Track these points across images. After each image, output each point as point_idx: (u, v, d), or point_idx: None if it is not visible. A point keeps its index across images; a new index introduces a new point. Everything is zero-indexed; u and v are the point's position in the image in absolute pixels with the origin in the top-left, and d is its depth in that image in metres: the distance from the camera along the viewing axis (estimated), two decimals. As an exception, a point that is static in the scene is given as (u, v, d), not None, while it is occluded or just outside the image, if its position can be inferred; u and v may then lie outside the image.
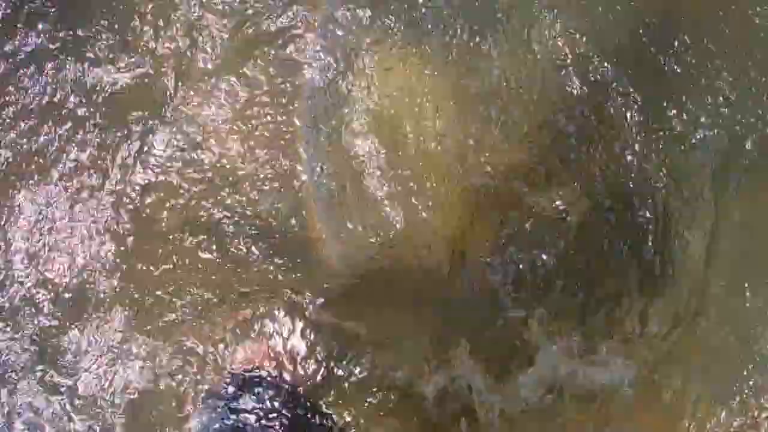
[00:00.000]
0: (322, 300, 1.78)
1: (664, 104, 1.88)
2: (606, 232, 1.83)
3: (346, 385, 1.71)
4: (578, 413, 1.74)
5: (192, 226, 1.86)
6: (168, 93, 1.95)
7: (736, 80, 1.87)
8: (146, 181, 1.90)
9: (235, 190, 1.87)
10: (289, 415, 1.34)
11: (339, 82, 1.92)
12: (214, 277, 1.83)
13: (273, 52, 1.95)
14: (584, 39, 1.91)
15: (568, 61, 1.90)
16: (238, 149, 1.90)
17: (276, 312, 1.77)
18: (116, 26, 2.00)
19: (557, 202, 1.83)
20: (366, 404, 1.70)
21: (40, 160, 1.94)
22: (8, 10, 2.03)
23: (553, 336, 1.78)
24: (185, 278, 1.83)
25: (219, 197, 1.87)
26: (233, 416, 1.31)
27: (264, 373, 1.45)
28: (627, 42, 1.91)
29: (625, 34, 1.93)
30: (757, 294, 1.77)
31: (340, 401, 1.69)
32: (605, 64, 1.89)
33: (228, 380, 1.42)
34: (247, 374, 1.44)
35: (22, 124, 1.97)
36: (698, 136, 1.86)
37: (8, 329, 1.85)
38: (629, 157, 1.86)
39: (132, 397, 1.77)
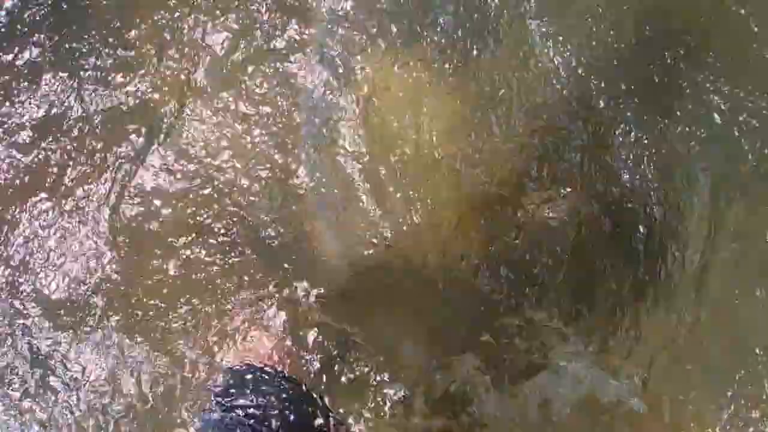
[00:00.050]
0: (320, 302, 1.79)
1: (659, 116, 1.91)
2: (602, 242, 1.84)
3: (345, 384, 1.72)
4: (578, 422, 1.75)
5: (191, 232, 1.86)
6: (167, 109, 1.95)
7: (732, 92, 1.89)
8: (145, 193, 1.90)
9: (234, 200, 1.87)
10: (289, 412, 1.34)
11: (337, 97, 1.92)
12: (214, 282, 1.83)
13: (271, 67, 1.96)
14: (579, 52, 1.93)
15: (563, 72, 1.92)
16: (238, 162, 1.90)
17: (276, 313, 1.77)
18: (114, 41, 2.00)
19: (553, 211, 1.84)
20: (365, 405, 1.71)
21: (37, 175, 1.93)
22: (3, 21, 2.02)
23: (551, 343, 1.78)
24: (185, 283, 1.83)
25: (219, 207, 1.87)
26: (234, 413, 1.30)
27: (265, 370, 1.44)
28: (622, 54, 1.93)
29: (620, 45, 1.95)
30: (755, 303, 1.79)
31: (339, 401, 1.70)
32: (600, 77, 1.92)
33: (228, 377, 1.41)
34: (247, 371, 1.43)
35: (19, 139, 1.96)
36: (694, 148, 1.88)
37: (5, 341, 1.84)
38: (625, 168, 1.88)
39: (131, 400, 1.77)
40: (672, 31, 1.97)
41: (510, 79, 1.92)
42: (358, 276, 1.82)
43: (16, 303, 1.84)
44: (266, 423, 1.29)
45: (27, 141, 1.96)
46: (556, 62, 1.93)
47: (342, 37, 1.97)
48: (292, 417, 1.32)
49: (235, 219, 1.86)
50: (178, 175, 1.89)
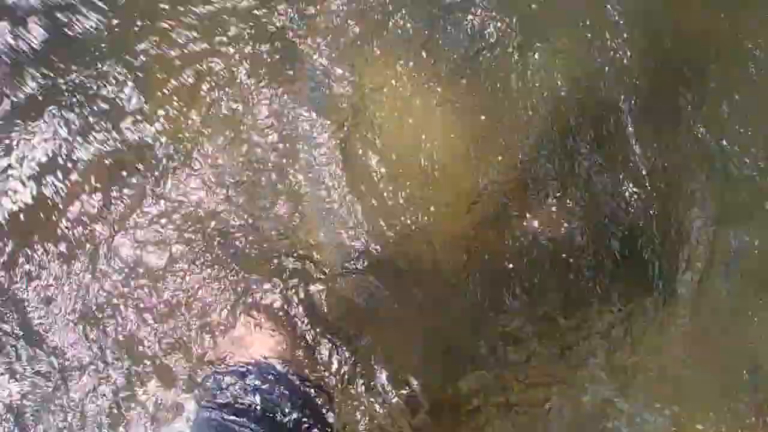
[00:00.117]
0: (320, 302, 1.79)
1: (662, 132, 1.93)
2: (602, 258, 1.85)
3: (346, 383, 1.72)
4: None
5: (194, 239, 1.85)
6: (166, 145, 1.91)
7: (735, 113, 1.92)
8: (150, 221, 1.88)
9: (235, 212, 1.87)
10: (289, 410, 1.34)
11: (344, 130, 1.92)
12: (215, 286, 1.83)
13: (276, 100, 1.93)
14: (583, 71, 1.95)
15: (565, 78, 1.93)
16: (241, 189, 1.90)
17: (276, 312, 1.77)
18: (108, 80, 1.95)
19: (551, 222, 1.86)
20: (365, 404, 1.71)
21: (39, 210, 1.88)
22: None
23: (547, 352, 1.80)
24: (187, 288, 1.83)
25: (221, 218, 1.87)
26: (231, 411, 1.31)
27: (264, 368, 1.44)
28: (623, 74, 1.95)
29: (625, 58, 1.95)
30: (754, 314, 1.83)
31: (340, 399, 1.70)
32: (601, 89, 1.93)
33: (226, 375, 1.41)
34: (246, 368, 1.44)
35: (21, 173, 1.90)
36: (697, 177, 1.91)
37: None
38: (627, 181, 1.90)
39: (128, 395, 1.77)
40: (679, 48, 1.99)
41: (508, 85, 1.93)
42: (359, 276, 1.82)
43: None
44: (264, 421, 1.29)
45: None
46: (558, 66, 1.94)
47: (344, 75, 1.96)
48: (291, 415, 1.33)
49: (234, 218, 1.86)
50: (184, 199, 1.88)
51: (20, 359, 1.79)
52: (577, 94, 1.93)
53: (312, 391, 1.47)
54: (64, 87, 1.90)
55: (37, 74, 1.89)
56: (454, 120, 1.92)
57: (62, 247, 1.83)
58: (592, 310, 1.83)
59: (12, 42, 1.90)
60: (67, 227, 1.84)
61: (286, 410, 1.34)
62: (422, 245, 1.84)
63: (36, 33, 1.91)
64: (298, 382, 1.45)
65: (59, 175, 1.85)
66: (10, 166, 1.87)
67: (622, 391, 1.78)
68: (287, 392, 1.38)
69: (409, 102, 1.92)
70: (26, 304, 1.82)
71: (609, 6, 1.97)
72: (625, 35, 1.96)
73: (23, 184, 1.86)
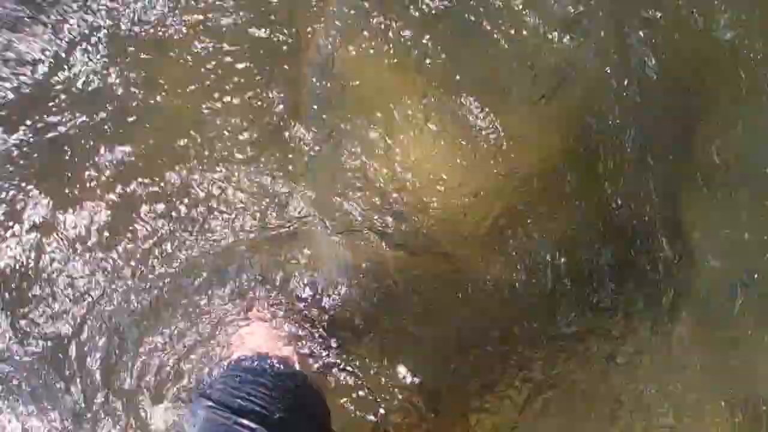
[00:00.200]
0: (322, 300, 1.80)
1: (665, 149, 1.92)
2: (599, 273, 1.86)
3: (348, 383, 1.74)
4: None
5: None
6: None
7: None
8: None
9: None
10: (287, 407, 1.33)
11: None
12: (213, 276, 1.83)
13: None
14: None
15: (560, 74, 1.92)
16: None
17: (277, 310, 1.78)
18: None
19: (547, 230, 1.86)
20: (367, 405, 1.74)
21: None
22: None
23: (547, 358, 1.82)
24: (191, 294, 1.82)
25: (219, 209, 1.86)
26: (232, 409, 1.29)
27: (263, 365, 1.43)
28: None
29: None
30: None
31: (342, 399, 1.73)
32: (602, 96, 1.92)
33: (229, 374, 1.40)
34: (249, 368, 1.42)
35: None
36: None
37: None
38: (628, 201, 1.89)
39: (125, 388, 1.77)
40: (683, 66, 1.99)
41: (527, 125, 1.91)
42: (360, 278, 1.82)
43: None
44: (267, 421, 1.27)
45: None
46: (553, 63, 1.92)
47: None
48: (293, 416, 1.31)
49: (230, 217, 1.85)
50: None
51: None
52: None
53: (315, 392, 1.45)
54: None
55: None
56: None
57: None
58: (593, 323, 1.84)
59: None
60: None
61: (289, 411, 1.31)
62: (423, 245, 1.84)
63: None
64: (301, 384, 1.43)
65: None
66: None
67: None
68: (290, 393, 1.36)
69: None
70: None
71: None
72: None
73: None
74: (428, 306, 1.82)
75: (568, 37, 1.90)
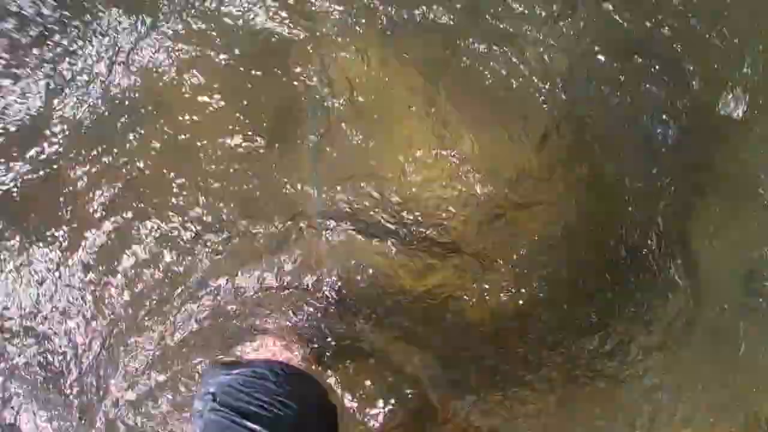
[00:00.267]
0: (328, 305, 1.80)
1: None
2: (595, 266, 1.86)
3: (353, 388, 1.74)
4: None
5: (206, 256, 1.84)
6: None
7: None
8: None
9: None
10: (294, 412, 1.32)
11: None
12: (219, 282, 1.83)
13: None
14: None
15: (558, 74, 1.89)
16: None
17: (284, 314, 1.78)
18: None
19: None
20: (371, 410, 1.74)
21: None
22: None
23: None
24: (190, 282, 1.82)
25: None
26: (237, 411, 1.29)
27: (272, 369, 1.42)
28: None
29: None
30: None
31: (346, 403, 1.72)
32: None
33: (234, 376, 1.39)
34: (254, 371, 1.41)
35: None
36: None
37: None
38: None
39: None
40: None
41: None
42: (362, 281, 1.82)
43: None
44: (271, 423, 1.27)
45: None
46: (551, 63, 1.89)
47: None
48: (296, 416, 1.31)
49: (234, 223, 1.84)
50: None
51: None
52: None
53: (322, 394, 1.45)
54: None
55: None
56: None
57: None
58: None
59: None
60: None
61: (296, 413, 1.31)
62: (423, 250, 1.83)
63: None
64: (307, 386, 1.43)
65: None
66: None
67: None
68: (297, 395, 1.35)
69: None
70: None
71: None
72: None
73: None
74: (430, 310, 1.82)
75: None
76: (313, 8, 1.90)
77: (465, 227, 1.82)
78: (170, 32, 1.90)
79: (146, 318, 1.82)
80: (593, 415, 1.84)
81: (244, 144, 1.86)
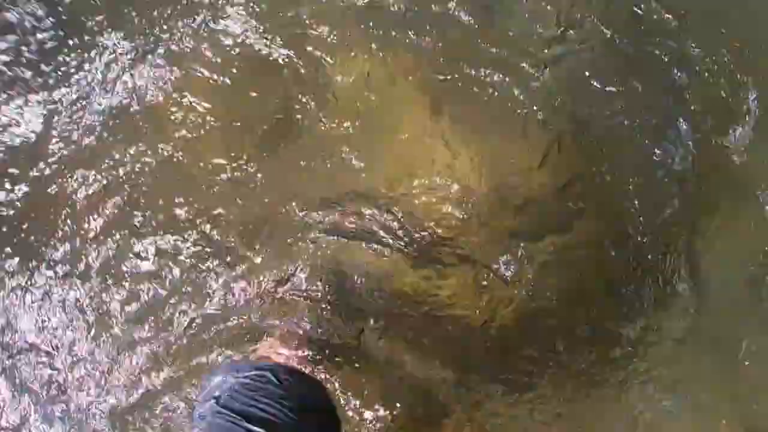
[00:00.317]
0: (334, 312, 1.80)
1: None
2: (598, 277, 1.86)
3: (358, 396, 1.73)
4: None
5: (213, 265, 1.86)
6: None
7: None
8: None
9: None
10: (296, 415, 1.30)
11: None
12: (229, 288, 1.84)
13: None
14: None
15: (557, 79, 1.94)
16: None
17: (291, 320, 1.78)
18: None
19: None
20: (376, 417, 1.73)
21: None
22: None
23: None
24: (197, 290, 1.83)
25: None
26: (241, 413, 1.27)
27: (278, 373, 1.41)
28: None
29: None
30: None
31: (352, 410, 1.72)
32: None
33: (239, 379, 1.38)
34: (258, 374, 1.40)
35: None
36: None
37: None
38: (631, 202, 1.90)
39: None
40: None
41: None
42: (363, 286, 1.83)
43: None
44: (272, 425, 1.25)
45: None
46: (551, 68, 1.94)
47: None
48: (299, 419, 1.29)
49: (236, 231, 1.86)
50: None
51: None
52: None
53: (325, 398, 1.43)
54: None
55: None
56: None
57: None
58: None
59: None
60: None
61: (299, 417, 1.29)
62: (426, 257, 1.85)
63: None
64: (310, 390, 1.41)
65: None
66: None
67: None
68: (300, 399, 1.34)
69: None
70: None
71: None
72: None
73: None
74: (431, 315, 1.83)
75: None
76: (309, 30, 1.96)
77: (467, 237, 1.84)
78: (166, 53, 1.95)
79: (148, 328, 1.82)
80: (597, 420, 1.83)
81: (241, 160, 1.89)
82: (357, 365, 1.78)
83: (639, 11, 1.96)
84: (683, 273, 1.86)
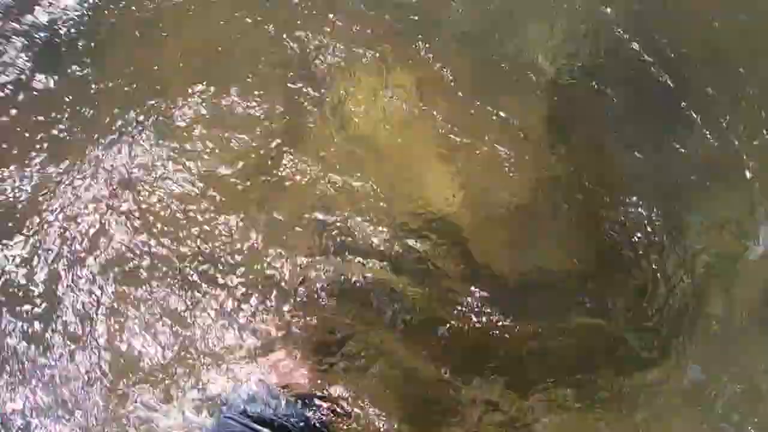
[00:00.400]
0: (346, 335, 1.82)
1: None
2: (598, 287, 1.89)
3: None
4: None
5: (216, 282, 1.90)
6: None
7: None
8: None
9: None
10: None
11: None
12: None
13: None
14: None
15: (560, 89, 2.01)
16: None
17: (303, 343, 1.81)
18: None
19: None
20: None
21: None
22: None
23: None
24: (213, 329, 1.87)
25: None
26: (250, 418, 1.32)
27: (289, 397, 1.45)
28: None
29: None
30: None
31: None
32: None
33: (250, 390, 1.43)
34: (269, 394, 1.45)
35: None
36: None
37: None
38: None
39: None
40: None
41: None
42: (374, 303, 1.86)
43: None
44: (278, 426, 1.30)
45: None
46: (553, 76, 2.02)
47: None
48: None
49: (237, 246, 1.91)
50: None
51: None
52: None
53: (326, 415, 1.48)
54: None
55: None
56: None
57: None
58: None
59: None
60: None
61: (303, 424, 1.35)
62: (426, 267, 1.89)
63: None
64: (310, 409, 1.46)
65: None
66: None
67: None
68: (303, 412, 1.39)
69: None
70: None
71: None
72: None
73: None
74: (438, 321, 1.85)
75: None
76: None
77: (471, 250, 1.89)
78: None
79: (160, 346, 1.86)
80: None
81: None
82: (361, 374, 1.79)
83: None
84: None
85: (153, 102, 2.02)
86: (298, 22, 2.08)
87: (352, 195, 1.92)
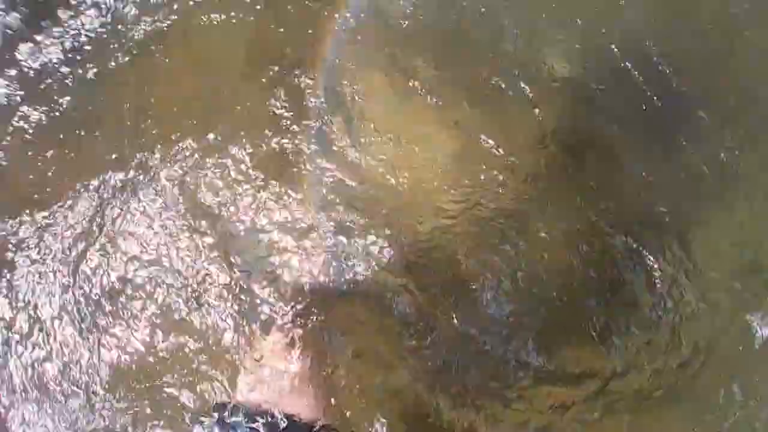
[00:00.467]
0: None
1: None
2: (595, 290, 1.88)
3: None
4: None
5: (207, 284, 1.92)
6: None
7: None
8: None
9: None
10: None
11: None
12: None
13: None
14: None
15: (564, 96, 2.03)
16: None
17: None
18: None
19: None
20: None
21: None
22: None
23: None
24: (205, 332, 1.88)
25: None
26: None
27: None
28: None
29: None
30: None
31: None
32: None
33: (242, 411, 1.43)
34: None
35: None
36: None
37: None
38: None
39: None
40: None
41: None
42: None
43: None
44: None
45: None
46: (560, 82, 2.04)
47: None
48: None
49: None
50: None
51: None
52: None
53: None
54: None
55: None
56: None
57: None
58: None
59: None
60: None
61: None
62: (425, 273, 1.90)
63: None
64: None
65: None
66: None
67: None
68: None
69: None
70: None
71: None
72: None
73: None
74: (439, 323, 1.85)
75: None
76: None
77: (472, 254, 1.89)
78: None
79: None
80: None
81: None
82: (359, 378, 1.80)
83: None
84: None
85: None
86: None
87: (353, 195, 1.94)
